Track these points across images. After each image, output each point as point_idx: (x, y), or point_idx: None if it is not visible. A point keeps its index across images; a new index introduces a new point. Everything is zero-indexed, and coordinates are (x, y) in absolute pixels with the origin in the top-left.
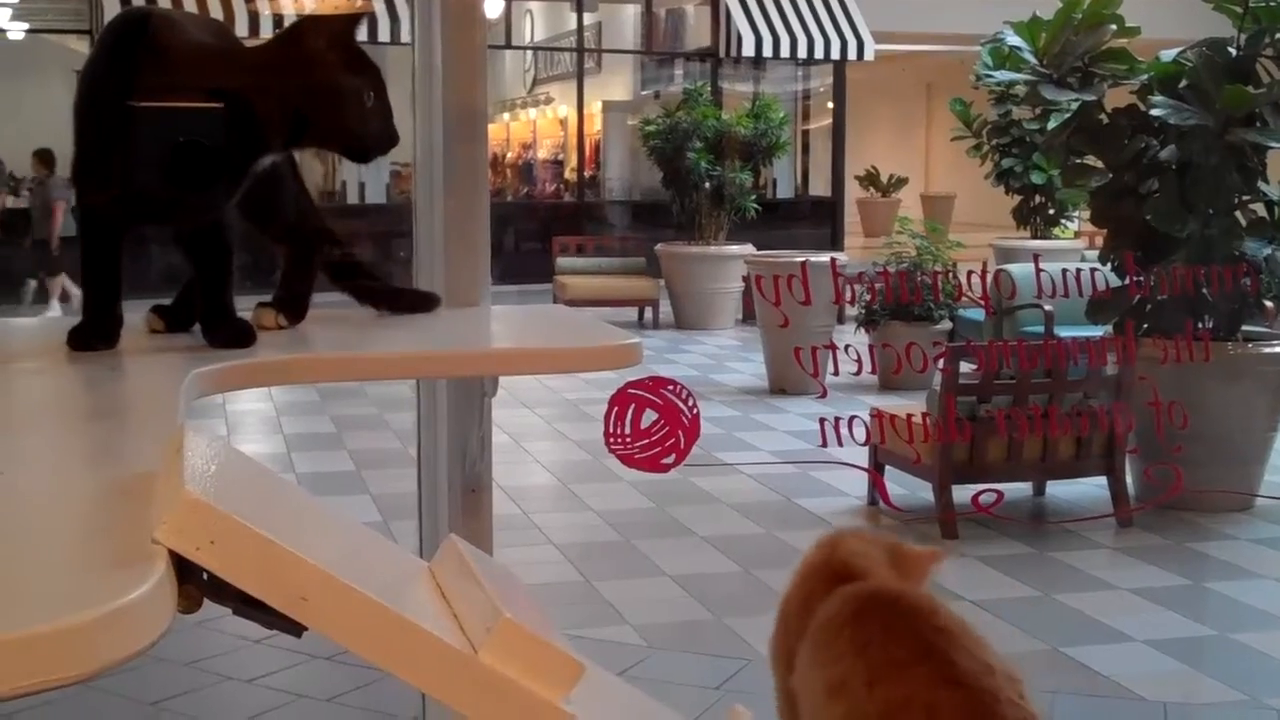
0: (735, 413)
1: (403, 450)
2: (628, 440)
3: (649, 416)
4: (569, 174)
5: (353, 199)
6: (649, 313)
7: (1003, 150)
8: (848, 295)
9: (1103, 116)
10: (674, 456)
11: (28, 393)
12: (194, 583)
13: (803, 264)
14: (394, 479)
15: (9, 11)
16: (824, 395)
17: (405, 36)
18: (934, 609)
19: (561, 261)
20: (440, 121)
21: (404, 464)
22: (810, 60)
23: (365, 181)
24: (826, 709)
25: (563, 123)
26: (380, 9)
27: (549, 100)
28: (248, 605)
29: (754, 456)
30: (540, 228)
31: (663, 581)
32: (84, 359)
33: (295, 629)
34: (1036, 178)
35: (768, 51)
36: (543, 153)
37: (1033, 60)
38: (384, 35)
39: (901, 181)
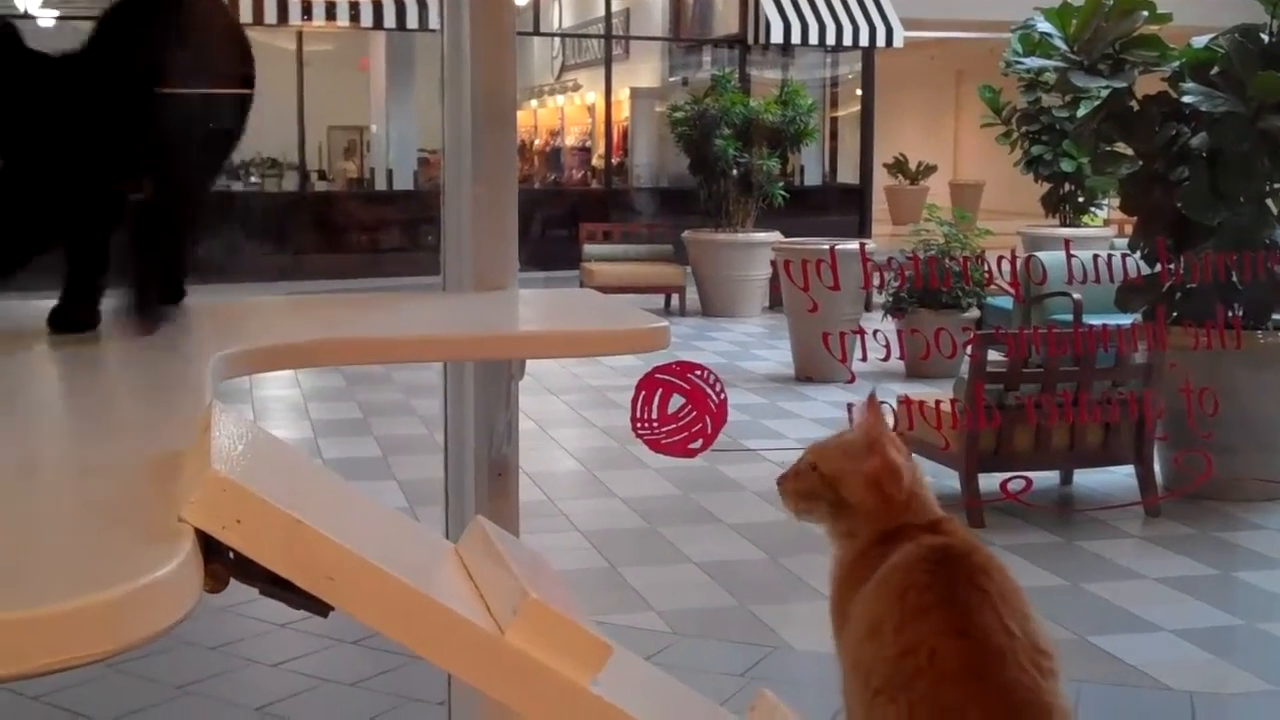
0: (762, 400)
1: (429, 436)
2: (655, 425)
3: (676, 401)
4: (596, 161)
5: (381, 185)
6: (675, 300)
7: (1032, 138)
8: (876, 281)
9: (1133, 104)
10: (701, 442)
11: (53, 372)
12: (221, 562)
13: (831, 250)
14: (420, 465)
15: None
16: (852, 381)
17: (434, 23)
18: (987, 569)
19: (589, 248)
20: (469, 107)
21: (430, 450)
22: (839, 47)
23: (393, 169)
24: (860, 647)
25: (590, 109)
26: None
27: (577, 87)
28: (275, 585)
29: (780, 444)
30: (568, 214)
31: (688, 568)
32: (110, 339)
33: (322, 609)
34: (1066, 165)
35: (796, 38)
36: (570, 139)
37: (1063, 47)
38: (412, 22)
39: (930, 169)
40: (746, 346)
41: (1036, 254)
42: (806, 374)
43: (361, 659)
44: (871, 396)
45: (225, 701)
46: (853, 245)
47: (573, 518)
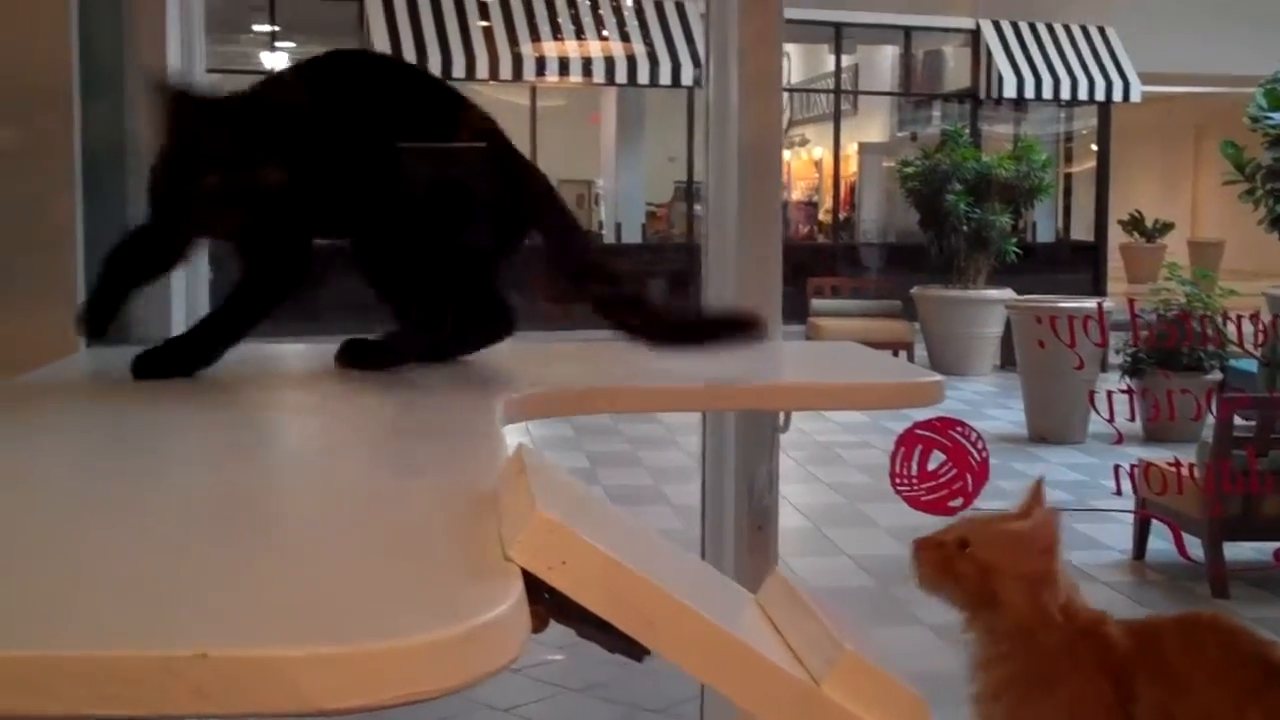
0: (995, 460)
1: (654, 487)
2: (914, 481)
3: (936, 458)
4: (823, 215)
5: (609, 238)
6: (904, 356)
7: (1278, 195)
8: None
9: None
10: (962, 500)
11: (347, 413)
12: (540, 602)
13: (1099, 306)
14: (649, 515)
15: None
16: (1120, 441)
17: (664, 79)
18: (1260, 637)
19: (816, 303)
20: (735, 157)
21: (656, 500)
22: (1074, 101)
23: (621, 222)
24: None
25: (818, 164)
26: (640, 53)
27: (804, 142)
28: (591, 626)
29: (1013, 506)
30: (794, 269)
31: (920, 630)
32: (386, 385)
33: (637, 653)
34: None
35: (1030, 93)
36: (797, 194)
37: None
38: (643, 78)
39: (1167, 226)
40: (977, 406)
41: None
42: (1040, 435)
43: (588, 708)
44: (1039, 486)
45: None
46: (1116, 304)
47: (803, 575)
